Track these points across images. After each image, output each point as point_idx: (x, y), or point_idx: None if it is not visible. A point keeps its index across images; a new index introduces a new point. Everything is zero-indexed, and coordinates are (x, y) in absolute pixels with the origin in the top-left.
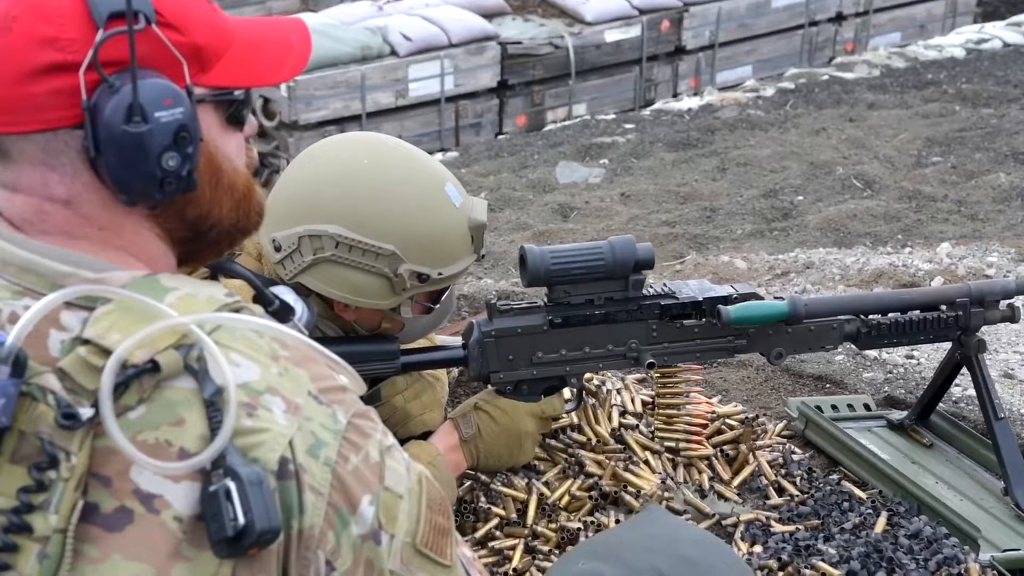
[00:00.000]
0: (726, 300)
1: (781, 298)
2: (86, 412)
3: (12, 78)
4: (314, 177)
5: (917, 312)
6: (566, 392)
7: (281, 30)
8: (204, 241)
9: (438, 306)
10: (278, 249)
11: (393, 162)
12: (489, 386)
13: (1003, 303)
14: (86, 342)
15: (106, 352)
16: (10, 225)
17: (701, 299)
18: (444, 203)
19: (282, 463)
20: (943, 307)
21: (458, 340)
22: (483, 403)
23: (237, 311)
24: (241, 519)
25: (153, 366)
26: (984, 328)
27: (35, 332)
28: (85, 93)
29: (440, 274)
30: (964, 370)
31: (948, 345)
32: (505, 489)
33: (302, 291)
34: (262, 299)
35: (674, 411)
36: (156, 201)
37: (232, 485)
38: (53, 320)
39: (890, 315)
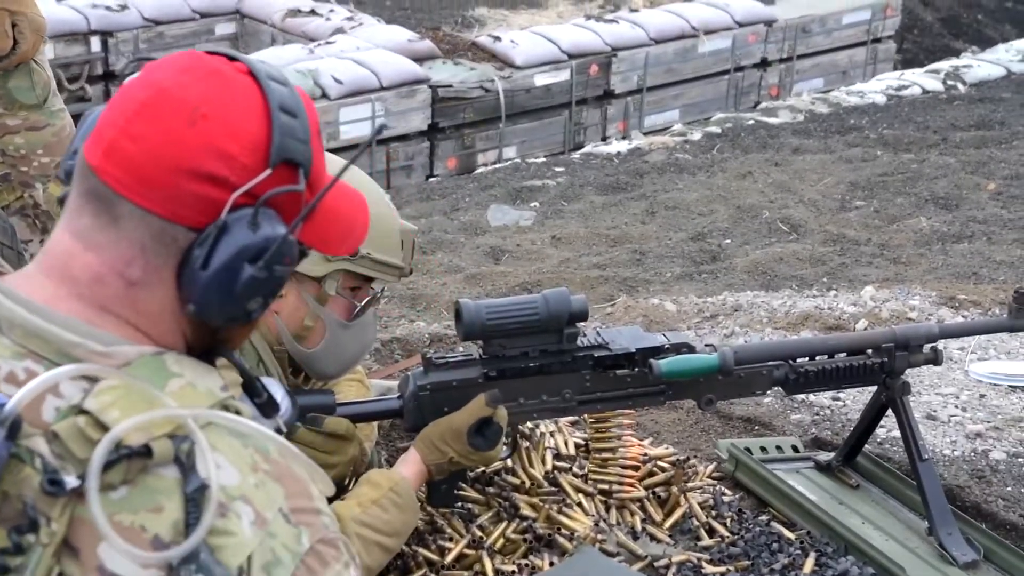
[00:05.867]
0: (658, 350)
1: (712, 346)
2: (71, 481)
3: (172, 165)
4: None
5: (844, 356)
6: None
7: (356, 202)
8: (212, 350)
9: (358, 320)
10: None
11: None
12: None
13: (927, 347)
14: (84, 412)
15: (104, 427)
16: (44, 274)
17: (634, 350)
18: (383, 196)
19: (239, 572)
20: (869, 351)
21: (393, 384)
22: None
23: (228, 408)
24: None
25: (146, 451)
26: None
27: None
28: (225, 212)
29: (369, 254)
30: (889, 412)
31: (874, 388)
32: (446, 530)
33: None
34: (251, 389)
35: (610, 454)
36: (216, 324)
37: None
38: (52, 388)
39: (818, 360)
